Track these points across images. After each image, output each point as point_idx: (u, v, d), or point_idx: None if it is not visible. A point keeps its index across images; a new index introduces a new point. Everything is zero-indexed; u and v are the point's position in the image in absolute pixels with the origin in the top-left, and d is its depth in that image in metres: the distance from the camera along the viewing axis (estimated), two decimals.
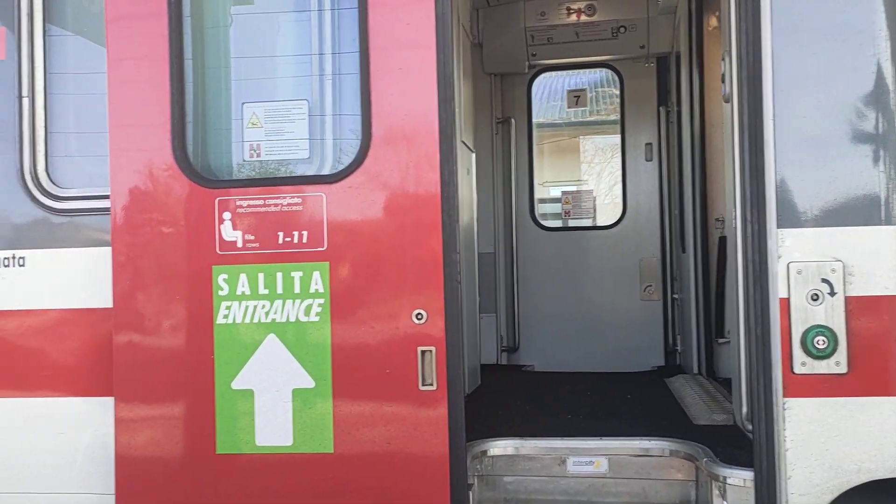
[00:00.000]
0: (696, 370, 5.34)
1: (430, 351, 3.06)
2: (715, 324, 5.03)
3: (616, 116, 6.61)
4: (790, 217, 2.91)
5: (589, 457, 3.49)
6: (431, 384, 3.05)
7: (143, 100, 3.26)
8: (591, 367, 6.10)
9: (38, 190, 3.44)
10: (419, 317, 3.07)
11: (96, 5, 3.52)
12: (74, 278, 3.41)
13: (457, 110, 3.35)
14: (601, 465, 3.48)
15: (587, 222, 6.72)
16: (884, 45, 2.89)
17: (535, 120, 6.69)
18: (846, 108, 2.89)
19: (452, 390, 3.05)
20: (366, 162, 3.13)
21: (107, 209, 3.30)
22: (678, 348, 6.02)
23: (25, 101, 3.46)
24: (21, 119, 3.46)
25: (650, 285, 6.34)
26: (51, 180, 3.48)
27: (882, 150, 2.88)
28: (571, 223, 6.73)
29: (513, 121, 6.52)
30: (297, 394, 3.14)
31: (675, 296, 6.12)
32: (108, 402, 3.28)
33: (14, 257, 3.44)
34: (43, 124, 3.48)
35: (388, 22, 3.12)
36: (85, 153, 3.54)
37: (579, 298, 6.42)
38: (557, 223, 6.79)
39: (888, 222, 2.87)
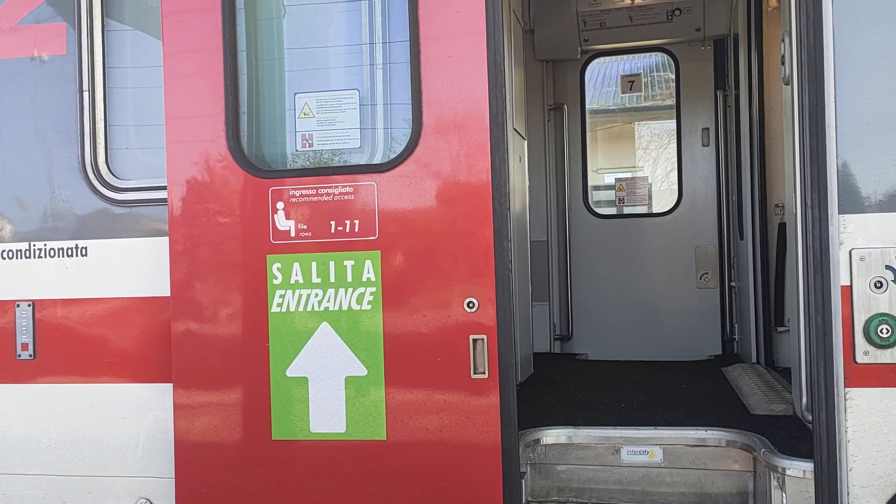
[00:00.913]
0: (754, 359, 5.24)
1: (482, 339, 3.05)
2: (774, 312, 4.93)
3: (671, 101, 6.50)
4: (852, 202, 2.82)
5: (643, 446, 3.46)
6: (483, 373, 3.05)
7: (198, 92, 3.32)
8: (645, 355, 6.05)
9: (99, 181, 3.54)
10: (471, 305, 3.07)
11: (153, 0, 3.59)
12: (134, 268, 3.50)
13: (508, 97, 3.33)
14: (656, 455, 3.45)
15: (642, 209, 6.64)
16: None
17: (588, 106, 6.63)
18: None
19: (504, 379, 3.05)
20: (416, 151, 3.13)
21: (164, 200, 3.37)
22: (735, 337, 5.92)
23: (86, 95, 3.56)
24: (82, 113, 3.56)
25: (706, 273, 6.23)
26: (111, 172, 3.57)
27: None
28: (626, 210, 6.66)
29: (565, 107, 6.47)
30: (350, 381, 3.17)
31: (733, 283, 6.01)
32: (168, 388, 3.37)
33: (77, 247, 3.55)
34: (103, 117, 3.57)
35: (437, 10, 3.11)
36: (143, 145, 3.62)
37: (634, 286, 6.35)
38: (612, 210, 6.72)
39: None
